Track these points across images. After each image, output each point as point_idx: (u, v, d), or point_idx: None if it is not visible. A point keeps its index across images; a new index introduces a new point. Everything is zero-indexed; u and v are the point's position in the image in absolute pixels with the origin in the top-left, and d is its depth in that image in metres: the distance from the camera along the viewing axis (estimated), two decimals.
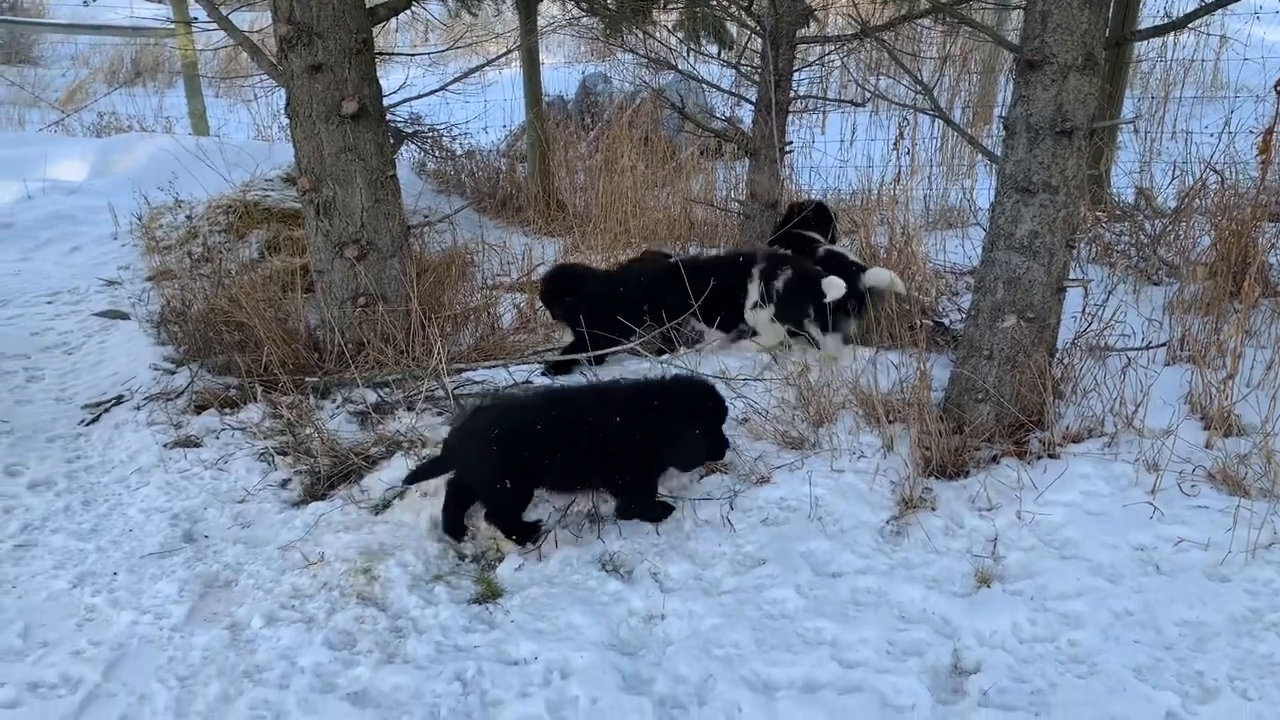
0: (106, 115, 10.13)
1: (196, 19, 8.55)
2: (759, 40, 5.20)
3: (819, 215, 4.97)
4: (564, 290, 4.56)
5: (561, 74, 10.28)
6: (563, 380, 4.23)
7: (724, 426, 3.31)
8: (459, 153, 7.87)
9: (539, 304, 4.88)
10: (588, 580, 3.02)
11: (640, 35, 7.23)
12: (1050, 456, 3.41)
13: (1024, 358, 3.47)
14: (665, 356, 4.32)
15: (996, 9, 7.36)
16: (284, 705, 2.55)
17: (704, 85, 6.71)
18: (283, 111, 4.62)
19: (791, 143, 5.57)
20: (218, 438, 4.02)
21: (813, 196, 6.06)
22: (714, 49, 6.92)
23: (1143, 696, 2.41)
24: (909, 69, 4.12)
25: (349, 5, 4.18)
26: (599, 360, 4.37)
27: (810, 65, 7.29)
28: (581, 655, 2.66)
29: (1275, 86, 4.57)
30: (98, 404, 4.36)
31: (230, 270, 5.39)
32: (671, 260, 4.62)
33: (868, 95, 6.17)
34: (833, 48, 6.03)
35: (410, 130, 7.53)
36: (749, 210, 5.38)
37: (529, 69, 7.35)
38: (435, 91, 5.20)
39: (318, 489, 3.61)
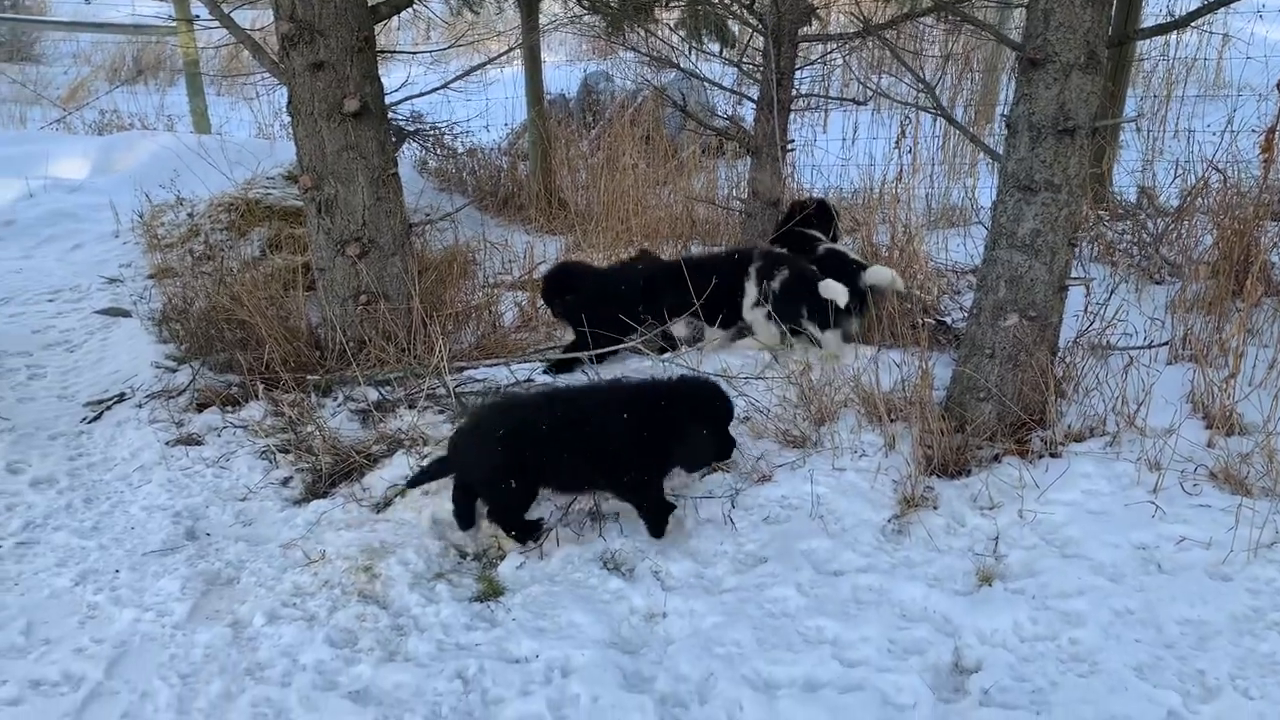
0: (108, 113, 10.14)
1: (198, 16, 8.56)
2: (761, 38, 5.19)
3: (821, 213, 4.96)
4: (564, 288, 4.56)
5: (563, 72, 10.29)
6: (565, 379, 4.23)
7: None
8: (460, 151, 7.87)
9: (540, 302, 4.88)
10: (589, 578, 3.02)
11: (642, 33, 7.24)
12: (1052, 455, 3.40)
13: (1026, 356, 3.47)
14: (667, 355, 4.32)
15: (999, 7, 7.36)
16: (286, 703, 2.56)
17: (706, 83, 6.72)
18: (284, 109, 4.61)
19: (793, 141, 5.56)
20: (219, 435, 4.02)
21: (814, 195, 6.05)
22: (716, 47, 6.90)
23: (1144, 695, 2.41)
24: (911, 67, 4.11)
25: (351, 3, 4.18)
26: (600, 359, 4.37)
27: (812, 63, 7.28)
28: (583, 653, 2.66)
29: (1278, 85, 4.57)
30: (99, 402, 4.37)
31: (232, 268, 5.39)
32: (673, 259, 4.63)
33: (870, 93, 6.18)
34: (835, 46, 6.03)
35: (412, 128, 7.55)
36: (751, 208, 5.37)
37: (531, 67, 7.34)
38: (437, 89, 5.20)
39: (319, 487, 3.61)
